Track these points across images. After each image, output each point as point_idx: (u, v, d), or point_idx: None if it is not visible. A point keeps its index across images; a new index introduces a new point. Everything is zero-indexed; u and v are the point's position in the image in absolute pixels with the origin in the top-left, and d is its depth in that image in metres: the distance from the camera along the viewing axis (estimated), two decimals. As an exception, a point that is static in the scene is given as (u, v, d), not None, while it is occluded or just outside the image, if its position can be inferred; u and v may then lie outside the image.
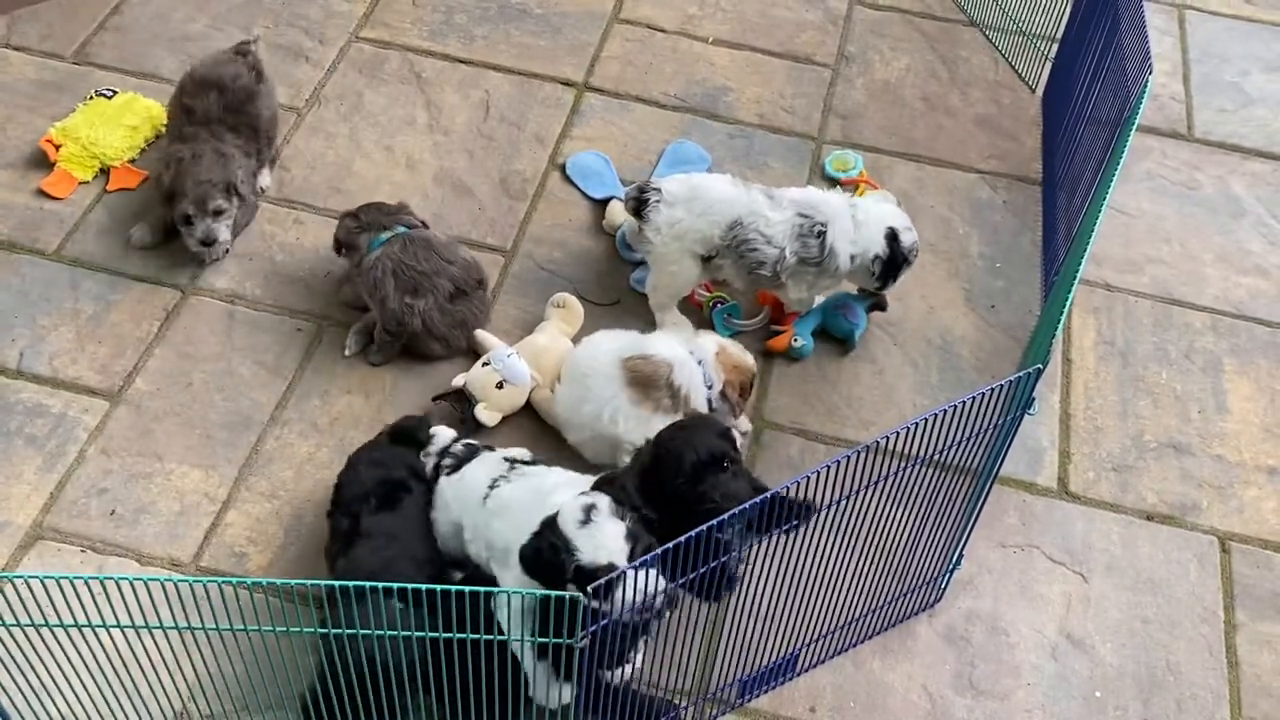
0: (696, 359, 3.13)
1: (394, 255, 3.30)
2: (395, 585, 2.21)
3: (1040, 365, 2.40)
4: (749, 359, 3.23)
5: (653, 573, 2.28)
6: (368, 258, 3.33)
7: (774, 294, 3.51)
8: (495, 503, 2.75)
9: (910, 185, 3.95)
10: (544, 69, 4.23)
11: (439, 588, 2.15)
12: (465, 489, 2.85)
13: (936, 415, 2.36)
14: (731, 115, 4.14)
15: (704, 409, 3.11)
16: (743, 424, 3.28)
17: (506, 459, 2.91)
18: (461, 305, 3.38)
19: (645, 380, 3.07)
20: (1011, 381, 2.42)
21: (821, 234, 3.30)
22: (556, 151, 3.98)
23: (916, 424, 2.34)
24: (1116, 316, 3.67)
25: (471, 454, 2.95)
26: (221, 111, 3.59)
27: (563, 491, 2.62)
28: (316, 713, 2.55)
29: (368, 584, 2.31)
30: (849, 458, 2.31)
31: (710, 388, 3.12)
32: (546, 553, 2.43)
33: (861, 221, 3.35)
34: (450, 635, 2.22)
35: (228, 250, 3.56)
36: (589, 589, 2.19)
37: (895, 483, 2.47)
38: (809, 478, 2.29)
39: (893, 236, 3.33)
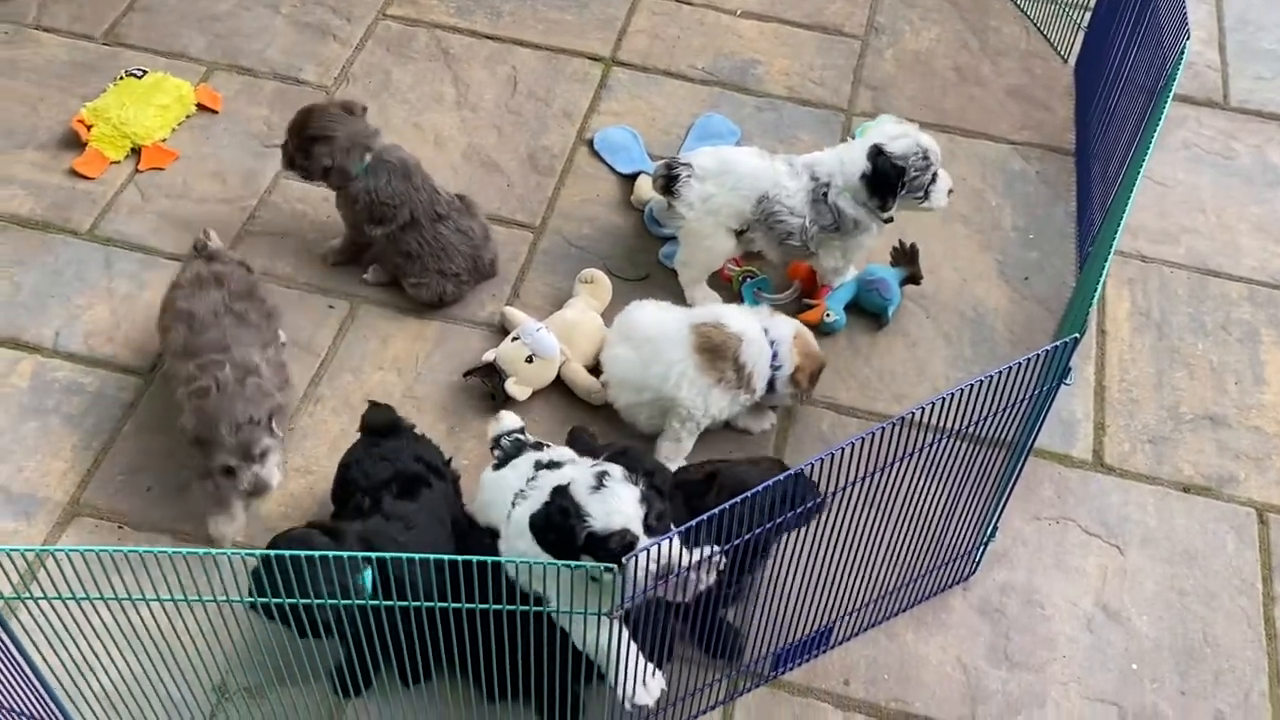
0: (771, 339, 3.10)
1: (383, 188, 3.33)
2: (429, 556, 2.20)
3: (1077, 335, 2.37)
4: (817, 348, 3.19)
5: (675, 542, 2.26)
6: (354, 185, 3.34)
7: (806, 267, 3.49)
8: (515, 527, 2.57)
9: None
10: (571, 44, 4.21)
11: (461, 558, 2.14)
12: (499, 493, 2.71)
13: (970, 387, 2.35)
14: (760, 88, 4.11)
15: (760, 392, 3.10)
16: (763, 423, 3.25)
17: (538, 463, 2.70)
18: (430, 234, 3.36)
19: (713, 349, 3.05)
20: (1047, 352, 2.39)
21: (825, 195, 3.27)
22: (584, 127, 3.96)
23: (950, 396, 2.32)
24: (1152, 287, 3.63)
25: (518, 450, 2.83)
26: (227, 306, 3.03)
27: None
28: (344, 681, 2.57)
29: (392, 555, 2.30)
30: (880, 431, 2.30)
31: (779, 369, 3.10)
32: (557, 520, 2.34)
33: (844, 160, 3.25)
34: (480, 607, 2.23)
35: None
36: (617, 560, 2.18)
37: (928, 456, 2.46)
38: (842, 450, 2.28)
39: (876, 151, 3.19)
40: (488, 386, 3.27)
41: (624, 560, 2.23)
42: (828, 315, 3.43)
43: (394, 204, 3.35)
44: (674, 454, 3.12)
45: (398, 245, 3.39)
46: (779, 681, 2.80)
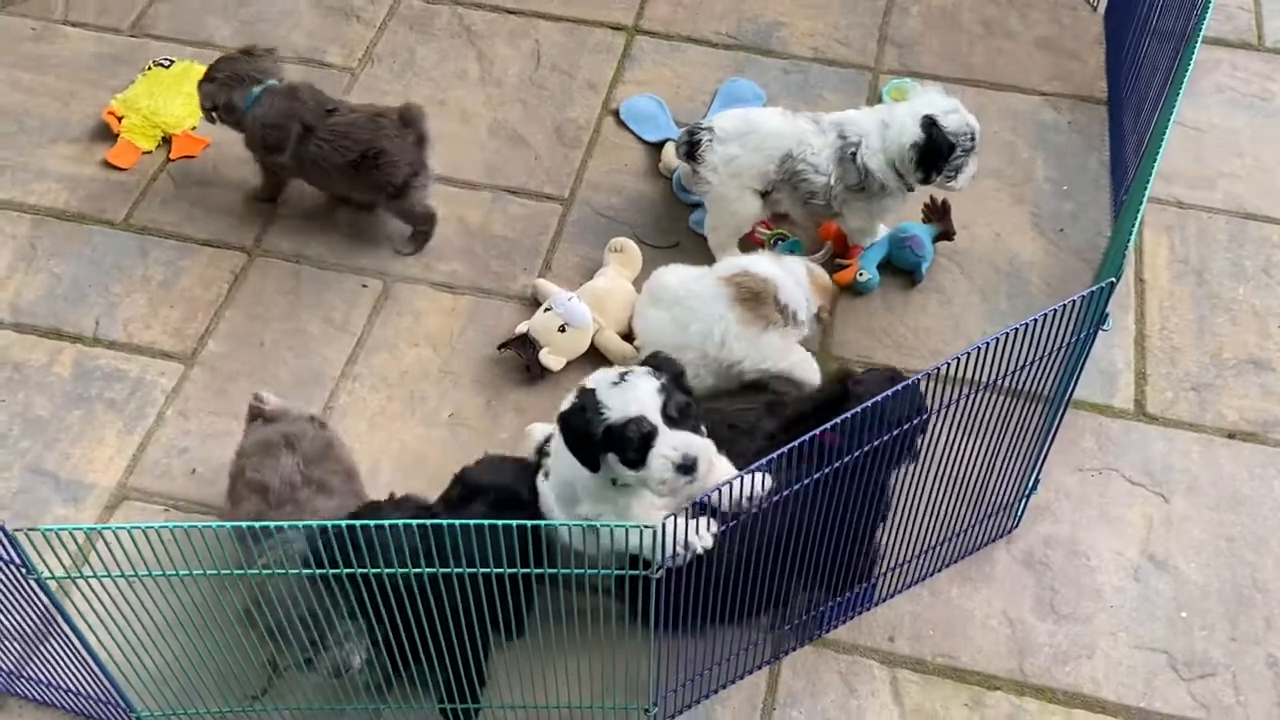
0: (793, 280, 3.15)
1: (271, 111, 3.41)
2: (470, 522, 2.20)
3: (1113, 279, 2.34)
4: (828, 279, 3.27)
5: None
6: (246, 120, 3.43)
7: (836, 227, 3.47)
8: (544, 500, 2.60)
9: (972, 111, 3.82)
10: (593, 15, 4.20)
11: (503, 523, 2.15)
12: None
13: (1005, 336, 2.33)
14: (785, 50, 4.08)
15: (809, 325, 3.16)
16: (808, 371, 3.22)
17: None
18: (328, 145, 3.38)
19: (754, 296, 3.06)
20: (1084, 297, 2.37)
21: (853, 155, 3.25)
22: (609, 97, 3.95)
23: (985, 346, 2.30)
24: (1189, 234, 3.58)
25: None
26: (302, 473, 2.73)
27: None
28: (390, 650, 2.57)
29: (432, 520, 2.27)
30: (915, 383, 2.29)
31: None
32: (576, 417, 2.36)
33: (889, 123, 3.22)
34: (530, 570, 2.24)
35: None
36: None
37: (965, 409, 2.45)
38: (875, 404, 2.27)
39: (930, 122, 3.17)
40: (523, 358, 3.28)
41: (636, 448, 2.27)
42: (860, 274, 3.41)
43: (281, 123, 3.40)
44: None
45: (309, 163, 3.40)
46: (824, 640, 2.80)
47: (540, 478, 2.65)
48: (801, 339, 3.18)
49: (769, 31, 4.14)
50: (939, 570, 2.89)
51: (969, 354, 2.29)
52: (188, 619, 2.38)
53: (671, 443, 2.30)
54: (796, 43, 4.10)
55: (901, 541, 2.71)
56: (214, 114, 3.49)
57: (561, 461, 2.51)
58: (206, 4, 4.22)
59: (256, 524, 2.34)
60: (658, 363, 2.45)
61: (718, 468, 2.42)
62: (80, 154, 3.78)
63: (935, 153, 3.18)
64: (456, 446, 3.13)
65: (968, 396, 2.41)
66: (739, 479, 2.27)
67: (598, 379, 2.40)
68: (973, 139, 3.22)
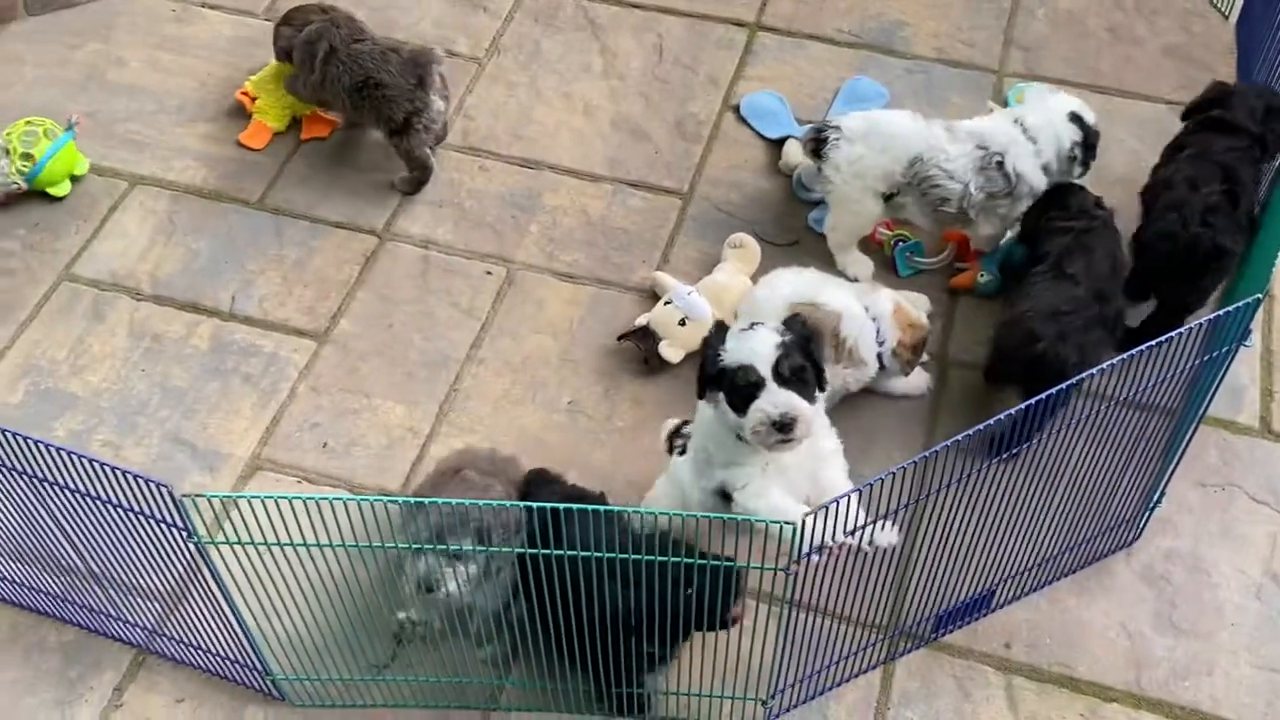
0: (871, 315, 3.08)
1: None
2: (604, 508, 2.26)
3: (1259, 295, 2.33)
4: (924, 318, 3.16)
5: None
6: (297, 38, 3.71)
7: (960, 232, 3.47)
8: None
9: (1097, 118, 3.79)
10: (716, 10, 4.22)
11: (621, 509, 2.22)
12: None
13: (1140, 353, 2.32)
14: (908, 50, 4.07)
15: (872, 364, 3.09)
16: (916, 382, 3.23)
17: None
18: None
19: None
20: (1228, 313, 2.35)
21: (1000, 163, 3.25)
22: (730, 93, 3.98)
23: (1119, 363, 2.30)
24: (1322, 250, 3.51)
25: None
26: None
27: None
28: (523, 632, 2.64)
29: (562, 505, 2.29)
30: (1040, 401, 2.29)
31: (883, 344, 3.09)
32: (704, 352, 2.56)
33: (1037, 129, 3.29)
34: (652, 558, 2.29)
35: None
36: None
37: (1094, 423, 2.44)
38: (1002, 419, 2.28)
39: (1076, 117, 3.31)
40: (641, 350, 3.33)
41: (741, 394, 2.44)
42: (981, 276, 3.40)
43: (314, 41, 3.66)
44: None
45: (329, 83, 3.64)
46: (939, 643, 2.82)
47: (674, 456, 2.79)
48: (868, 378, 3.11)
49: (892, 30, 4.13)
50: (1057, 579, 2.89)
51: (1106, 369, 2.29)
52: (321, 587, 2.47)
53: (774, 399, 2.44)
54: (920, 43, 4.09)
55: (1021, 550, 2.71)
56: (286, 53, 3.76)
57: (700, 422, 2.66)
58: (340, -9, 4.32)
59: (385, 499, 2.41)
60: (790, 322, 2.58)
61: (821, 437, 2.56)
62: (217, 133, 3.90)
63: (1092, 143, 3.33)
64: (575, 433, 3.20)
65: (1096, 412, 2.41)
66: (850, 496, 2.28)
67: (733, 327, 2.63)
68: (1098, 134, 3.38)
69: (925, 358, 3.21)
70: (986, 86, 3.95)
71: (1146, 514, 2.90)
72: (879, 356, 3.10)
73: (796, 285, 3.13)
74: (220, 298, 3.50)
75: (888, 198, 3.36)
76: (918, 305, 3.22)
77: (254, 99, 3.92)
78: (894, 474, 2.25)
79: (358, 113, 3.69)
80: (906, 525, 2.59)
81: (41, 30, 4.18)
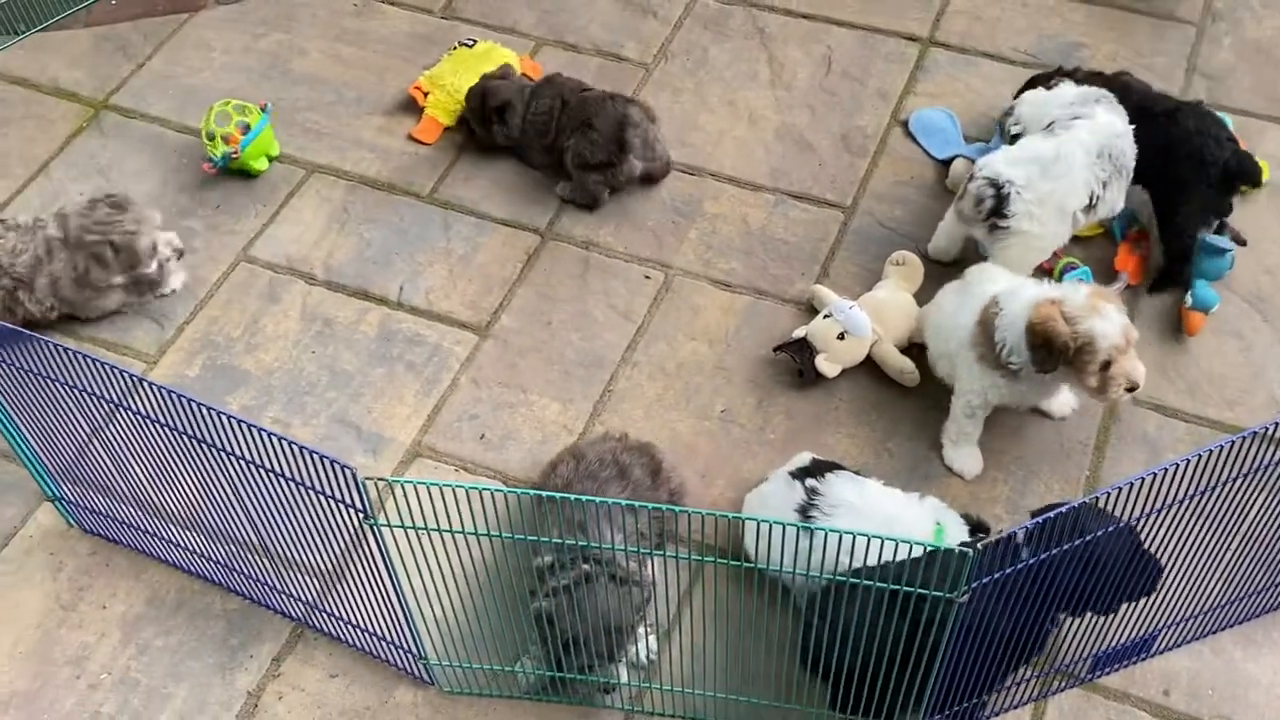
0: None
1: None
2: (798, 525, 2.26)
3: None
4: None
5: None
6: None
7: (1136, 258, 3.36)
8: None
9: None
10: (887, 23, 4.18)
11: (819, 528, 2.21)
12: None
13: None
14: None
15: (1023, 377, 2.94)
16: (1063, 408, 3.17)
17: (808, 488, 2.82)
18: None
19: (981, 322, 2.98)
20: None
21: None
22: (899, 108, 3.94)
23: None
24: None
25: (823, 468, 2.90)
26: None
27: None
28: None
29: (769, 520, 2.28)
30: (1219, 449, 2.20)
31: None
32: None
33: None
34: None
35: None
36: None
37: (1272, 473, 2.35)
38: (1177, 465, 2.20)
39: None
40: (796, 363, 3.31)
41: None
42: (1187, 301, 3.31)
43: (546, 95, 3.78)
44: (954, 435, 3.11)
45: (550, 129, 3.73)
46: (1095, 685, 2.74)
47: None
48: (1018, 395, 3.02)
49: (1069, 51, 4.04)
50: (1223, 629, 2.78)
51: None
52: (474, 575, 2.52)
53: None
54: (1098, 65, 3.97)
55: (1187, 596, 2.62)
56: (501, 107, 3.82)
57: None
58: (513, -10, 4.41)
59: (543, 493, 2.41)
60: None
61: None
62: (392, 126, 4.01)
63: None
64: (728, 442, 3.21)
65: (1276, 462, 2.32)
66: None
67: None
68: None
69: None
70: (1167, 113, 3.82)
71: (1324, 568, 2.78)
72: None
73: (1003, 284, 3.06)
74: (389, 287, 3.60)
75: (1087, 209, 3.23)
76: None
77: (427, 94, 4.02)
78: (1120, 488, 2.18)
79: (548, 154, 3.78)
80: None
81: (229, 19, 4.36)
